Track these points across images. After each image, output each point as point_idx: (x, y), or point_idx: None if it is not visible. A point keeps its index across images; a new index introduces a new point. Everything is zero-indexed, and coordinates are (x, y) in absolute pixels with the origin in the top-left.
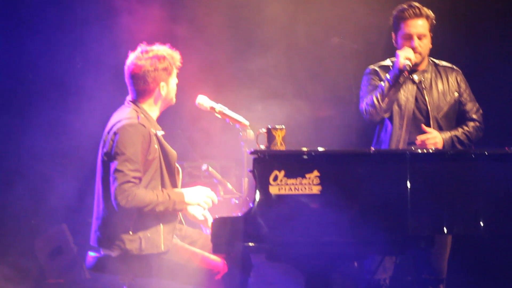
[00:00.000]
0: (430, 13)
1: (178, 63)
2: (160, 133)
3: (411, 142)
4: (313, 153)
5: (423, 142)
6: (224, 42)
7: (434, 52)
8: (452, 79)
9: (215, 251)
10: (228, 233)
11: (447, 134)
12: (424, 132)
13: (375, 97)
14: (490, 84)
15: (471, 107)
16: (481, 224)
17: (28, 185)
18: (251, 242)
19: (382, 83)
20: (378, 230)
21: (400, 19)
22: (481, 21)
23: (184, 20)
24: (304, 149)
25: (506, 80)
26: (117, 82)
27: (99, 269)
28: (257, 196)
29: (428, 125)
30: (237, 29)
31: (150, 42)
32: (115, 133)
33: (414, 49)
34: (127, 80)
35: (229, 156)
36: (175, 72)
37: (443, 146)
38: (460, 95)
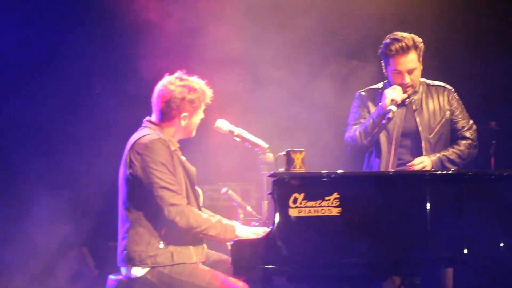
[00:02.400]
0: (417, 40)
1: (208, 101)
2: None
3: (401, 164)
4: (332, 176)
5: (410, 168)
6: (245, 67)
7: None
8: (443, 98)
9: (236, 274)
10: (248, 256)
11: (436, 156)
12: (411, 155)
13: (358, 133)
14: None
15: (463, 124)
16: (501, 245)
17: (48, 208)
18: (272, 264)
19: (366, 120)
20: (398, 251)
21: (388, 56)
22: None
23: (203, 47)
24: (324, 171)
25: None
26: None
27: None
28: (277, 218)
29: (420, 146)
30: (257, 53)
31: (166, 68)
32: (139, 153)
33: (405, 85)
34: (153, 99)
35: (248, 179)
36: (202, 108)
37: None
38: (451, 113)
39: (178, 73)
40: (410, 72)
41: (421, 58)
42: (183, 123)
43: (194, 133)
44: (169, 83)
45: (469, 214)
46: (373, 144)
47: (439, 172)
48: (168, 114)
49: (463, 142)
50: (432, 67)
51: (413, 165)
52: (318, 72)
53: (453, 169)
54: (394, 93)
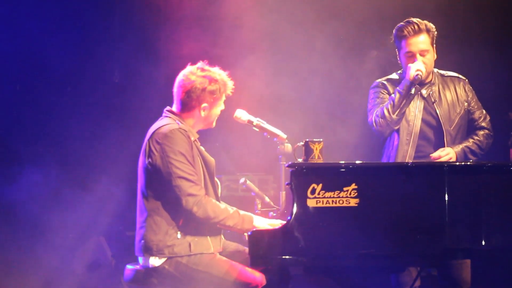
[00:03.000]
0: (430, 26)
1: (229, 92)
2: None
3: (418, 157)
4: (350, 166)
5: (436, 159)
6: (263, 58)
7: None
8: (460, 89)
9: (253, 264)
10: (266, 246)
11: (459, 147)
12: (433, 147)
13: (386, 109)
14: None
15: (479, 115)
16: None
17: (66, 198)
18: (289, 255)
19: (392, 95)
20: (416, 242)
21: (400, 38)
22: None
23: (224, 38)
24: (342, 162)
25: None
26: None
27: (137, 281)
28: (295, 209)
29: (441, 138)
30: (275, 45)
31: (188, 57)
32: (158, 143)
33: None
34: (174, 89)
35: (267, 169)
36: (222, 99)
37: (457, 160)
38: (468, 104)
39: (200, 64)
40: (422, 53)
41: (434, 44)
42: (203, 114)
43: (214, 124)
44: (191, 73)
45: (487, 205)
46: (401, 121)
47: (457, 164)
48: (188, 104)
49: (481, 132)
50: (450, 58)
51: (440, 156)
52: (335, 64)
53: (471, 161)
54: (417, 64)
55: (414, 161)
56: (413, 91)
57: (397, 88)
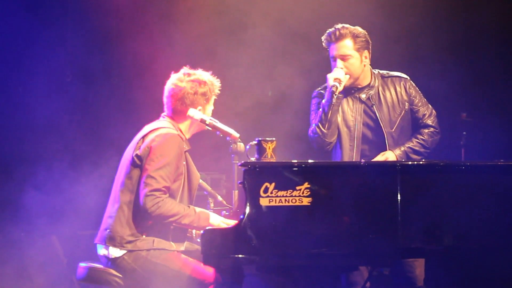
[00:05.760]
0: (357, 31)
1: (217, 91)
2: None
3: None
4: (303, 165)
5: None
6: (215, 54)
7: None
8: (400, 88)
9: (206, 262)
10: (218, 245)
11: (401, 149)
12: (376, 150)
13: (316, 126)
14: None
15: (424, 112)
16: (471, 235)
17: (19, 195)
18: (242, 254)
19: (320, 110)
20: (368, 241)
21: (327, 43)
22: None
23: (178, 36)
24: (295, 161)
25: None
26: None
27: (90, 279)
28: (248, 208)
29: (383, 141)
30: (226, 41)
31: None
32: (153, 140)
33: None
34: (165, 98)
35: (219, 168)
36: (213, 99)
37: None
38: (410, 103)
39: (184, 69)
40: (343, 58)
41: (360, 49)
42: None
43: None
44: (179, 80)
45: (439, 205)
46: (336, 132)
47: (410, 163)
48: (183, 110)
49: (426, 130)
50: (404, 58)
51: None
52: (289, 60)
53: (424, 160)
54: (335, 73)
55: (367, 161)
56: (334, 100)
57: (323, 101)
